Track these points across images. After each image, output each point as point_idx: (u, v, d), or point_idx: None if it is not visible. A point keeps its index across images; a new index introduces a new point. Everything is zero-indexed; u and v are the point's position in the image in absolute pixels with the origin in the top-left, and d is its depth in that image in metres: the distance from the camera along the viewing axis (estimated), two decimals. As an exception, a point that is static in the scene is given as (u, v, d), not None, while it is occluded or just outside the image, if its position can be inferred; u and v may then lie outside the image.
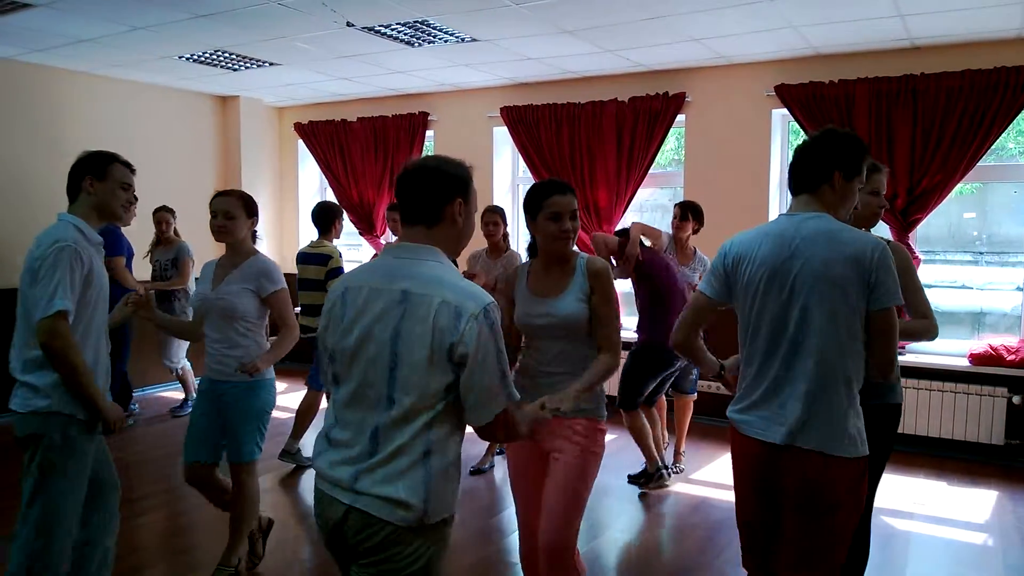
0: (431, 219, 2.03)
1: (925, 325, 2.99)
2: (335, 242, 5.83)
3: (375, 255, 6.85)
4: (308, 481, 5.39)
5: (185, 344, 6.99)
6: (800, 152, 2.58)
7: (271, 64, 6.94)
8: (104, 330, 3.08)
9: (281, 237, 9.51)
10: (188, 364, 7.24)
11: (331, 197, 9.21)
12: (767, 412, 2.46)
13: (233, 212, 3.63)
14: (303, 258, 5.73)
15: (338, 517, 1.95)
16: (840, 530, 2.42)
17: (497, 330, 1.94)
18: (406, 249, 2.04)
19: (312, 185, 9.54)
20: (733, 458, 2.68)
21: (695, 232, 5.55)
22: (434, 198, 2.03)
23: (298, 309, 5.41)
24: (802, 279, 2.39)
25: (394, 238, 8.69)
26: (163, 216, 6.90)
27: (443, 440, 1.96)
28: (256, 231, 3.79)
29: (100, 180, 3.02)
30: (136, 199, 3.19)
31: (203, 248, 8.44)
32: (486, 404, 1.94)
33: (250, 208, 3.70)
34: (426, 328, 1.89)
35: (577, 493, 2.80)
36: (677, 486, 5.32)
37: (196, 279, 6.59)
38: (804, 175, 2.53)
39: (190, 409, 7.01)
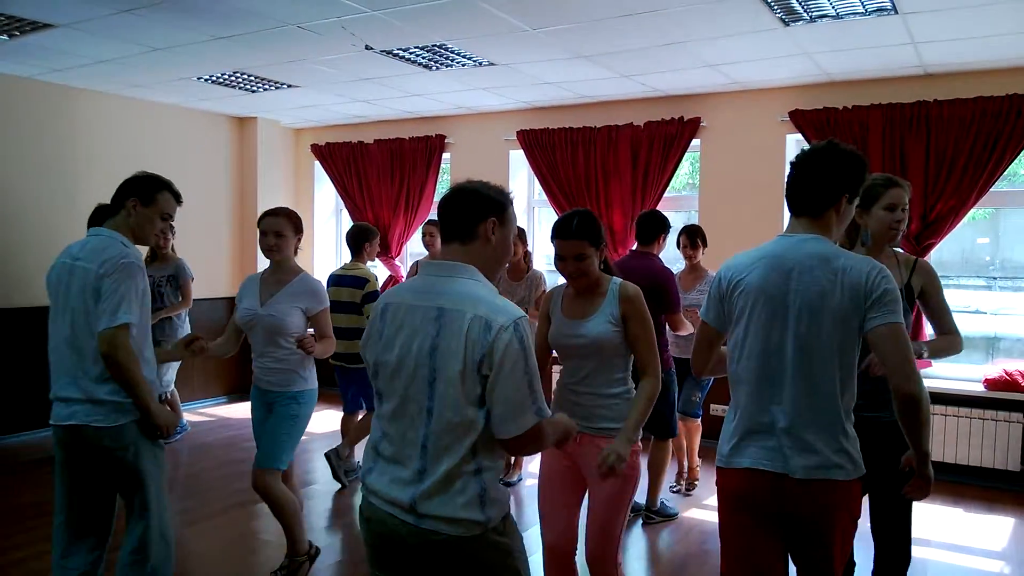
0: (464, 235, 2.11)
1: (951, 340, 3.12)
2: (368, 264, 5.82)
3: (411, 273, 6.84)
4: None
5: (175, 366, 6.71)
6: (803, 171, 2.41)
7: (289, 86, 7.02)
8: (148, 337, 3.15)
9: (296, 258, 9.49)
10: (174, 388, 6.88)
11: (347, 219, 9.26)
12: (766, 442, 2.36)
13: (283, 231, 3.84)
14: (336, 280, 5.63)
15: (403, 534, 2.02)
16: (840, 548, 2.39)
17: (527, 344, 1.98)
18: (442, 267, 2.11)
19: (328, 207, 9.60)
20: (727, 497, 2.49)
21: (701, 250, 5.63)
22: (468, 216, 2.11)
23: None
24: (797, 306, 2.32)
25: (411, 255, 8.74)
26: (164, 229, 6.64)
27: (490, 455, 2.05)
28: (298, 247, 4.00)
29: (144, 205, 3.11)
30: (173, 229, 3.23)
31: (215, 265, 8.55)
32: (514, 417, 1.98)
33: (297, 226, 3.91)
34: (460, 342, 1.96)
35: (618, 511, 2.99)
36: (689, 512, 5.29)
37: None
38: (809, 198, 2.39)
39: (179, 436, 6.75)
